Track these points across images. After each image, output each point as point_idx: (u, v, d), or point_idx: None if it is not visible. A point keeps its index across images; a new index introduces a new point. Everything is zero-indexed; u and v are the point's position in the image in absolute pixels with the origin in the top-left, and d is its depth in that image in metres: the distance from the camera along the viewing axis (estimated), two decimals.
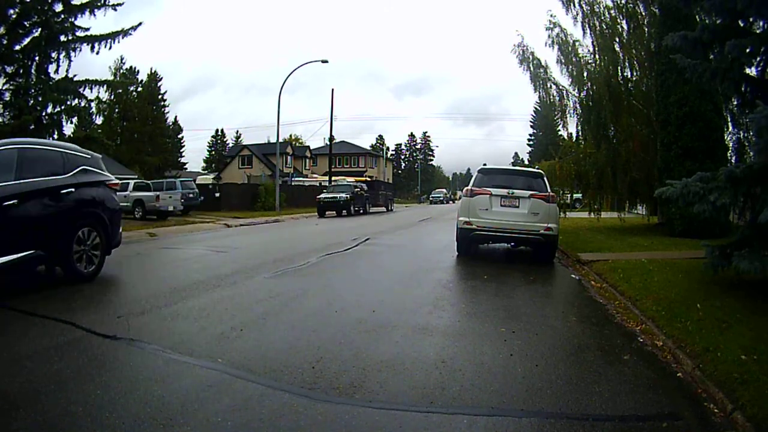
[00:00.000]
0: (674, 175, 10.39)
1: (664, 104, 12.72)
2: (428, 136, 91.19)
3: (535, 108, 69.70)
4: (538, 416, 3.08)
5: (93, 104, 14.73)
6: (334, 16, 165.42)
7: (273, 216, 23.92)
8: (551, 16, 16.57)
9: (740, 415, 3.00)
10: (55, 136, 13.85)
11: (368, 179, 42.60)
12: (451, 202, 58.58)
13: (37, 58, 13.60)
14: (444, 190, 70.86)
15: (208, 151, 75.25)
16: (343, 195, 25.40)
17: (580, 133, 17.99)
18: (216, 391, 3.32)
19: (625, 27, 16.08)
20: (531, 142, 76.62)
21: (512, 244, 10.58)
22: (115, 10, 14.26)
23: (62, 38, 13.77)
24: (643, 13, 15.78)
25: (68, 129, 15.89)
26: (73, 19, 13.79)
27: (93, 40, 14.05)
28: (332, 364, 3.84)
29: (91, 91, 14.54)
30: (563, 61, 16.31)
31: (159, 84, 55.56)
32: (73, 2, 13.73)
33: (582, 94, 16.17)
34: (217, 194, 28.28)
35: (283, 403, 3.16)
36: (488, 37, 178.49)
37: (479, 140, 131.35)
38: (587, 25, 15.87)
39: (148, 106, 53.44)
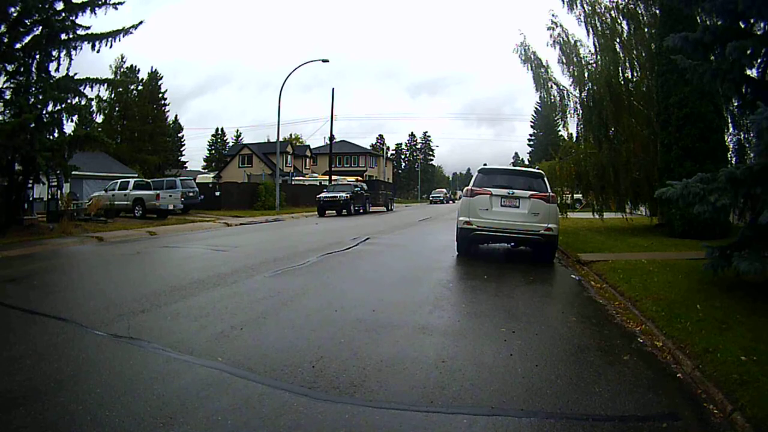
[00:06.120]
0: (674, 175, 10.38)
1: (665, 105, 12.72)
2: (428, 136, 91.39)
3: (536, 108, 69.90)
4: (538, 416, 3.08)
5: (93, 103, 14.68)
6: (354, 16, 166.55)
7: (273, 215, 23.92)
8: (553, 15, 16.70)
9: (740, 416, 3.01)
10: (56, 135, 13.83)
11: (367, 178, 42.62)
12: (450, 201, 58.66)
13: (37, 56, 13.57)
14: (444, 190, 70.94)
15: (208, 150, 75.40)
16: (343, 194, 25.40)
17: (580, 134, 17.98)
18: (216, 390, 3.33)
19: (626, 27, 16.12)
20: (531, 143, 76.65)
21: (512, 244, 10.58)
22: (116, 8, 14.21)
23: (63, 36, 13.74)
24: (644, 14, 15.80)
25: (68, 127, 15.84)
26: (74, 18, 13.77)
27: (94, 39, 14.02)
28: (332, 363, 3.85)
29: (92, 90, 14.48)
30: (564, 61, 16.35)
31: (159, 83, 55.56)
32: (74, 1, 13.71)
33: (583, 95, 16.18)
34: (217, 193, 28.32)
35: (283, 402, 3.17)
36: (502, 37, 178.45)
37: (483, 140, 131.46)
38: (589, 26, 15.90)
39: (149, 105, 53.43)
